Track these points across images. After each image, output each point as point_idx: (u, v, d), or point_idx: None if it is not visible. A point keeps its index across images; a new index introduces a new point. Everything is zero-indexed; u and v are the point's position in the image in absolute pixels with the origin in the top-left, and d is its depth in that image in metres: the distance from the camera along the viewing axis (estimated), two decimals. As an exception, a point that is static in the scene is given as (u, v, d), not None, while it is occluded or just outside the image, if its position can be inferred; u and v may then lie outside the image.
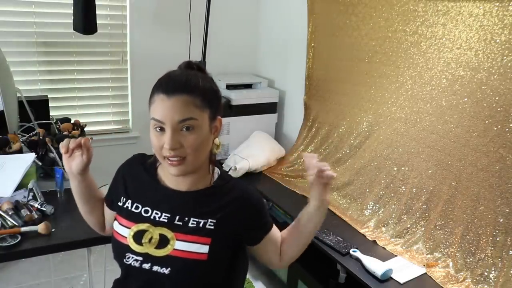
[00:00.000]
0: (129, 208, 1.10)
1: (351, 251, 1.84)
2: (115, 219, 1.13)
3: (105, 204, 1.22)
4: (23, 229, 1.40)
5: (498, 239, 1.69)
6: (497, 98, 1.71)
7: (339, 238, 1.94)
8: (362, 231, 2.05)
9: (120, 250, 1.06)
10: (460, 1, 1.83)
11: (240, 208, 1.06)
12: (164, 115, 0.96)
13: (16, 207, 1.50)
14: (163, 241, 1.02)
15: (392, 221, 2.05)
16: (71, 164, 1.11)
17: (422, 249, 1.89)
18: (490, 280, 1.67)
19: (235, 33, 3.22)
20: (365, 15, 2.31)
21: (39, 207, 1.52)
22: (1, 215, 1.44)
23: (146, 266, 1.01)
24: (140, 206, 1.09)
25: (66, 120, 2.24)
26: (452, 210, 1.86)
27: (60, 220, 1.51)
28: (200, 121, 0.98)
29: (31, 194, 1.58)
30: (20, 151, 1.83)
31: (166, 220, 1.04)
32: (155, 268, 1.00)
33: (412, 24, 2.06)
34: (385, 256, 1.85)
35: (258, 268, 2.56)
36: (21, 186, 1.61)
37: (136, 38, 2.87)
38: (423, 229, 1.94)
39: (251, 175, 2.63)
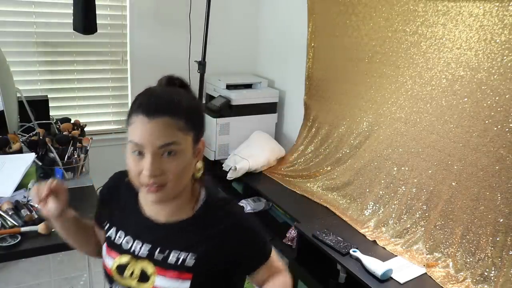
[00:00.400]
0: (112, 237, 1.04)
1: (351, 251, 1.84)
2: (104, 241, 1.08)
3: (96, 227, 1.16)
4: (23, 229, 1.40)
5: (498, 239, 1.69)
6: (497, 98, 1.71)
7: (339, 238, 1.94)
8: (362, 231, 2.05)
9: (107, 278, 1.04)
10: (460, 1, 1.83)
11: (230, 241, 0.96)
12: (144, 139, 0.87)
13: (16, 207, 1.50)
14: (144, 276, 0.97)
15: (392, 221, 2.05)
16: (49, 208, 1.03)
17: (422, 249, 1.89)
18: (490, 280, 1.67)
19: (235, 33, 3.22)
20: (365, 15, 2.31)
21: (39, 207, 1.52)
22: (1, 215, 1.44)
23: None
24: (123, 236, 1.03)
25: (66, 120, 2.25)
26: (452, 210, 1.86)
27: (60, 220, 1.51)
28: (184, 145, 0.90)
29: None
30: (20, 151, 1.83)
31: (147, 253, 0.98)
32: None
33: (412, 24, 2.06)
34: (385, 256, 1.85)
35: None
36: (21, 186, 1.61)
37: (136, 38, 2.87)
38: (423, 229, 1.94)
39: (251, 175, 2.63)
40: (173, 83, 0.97)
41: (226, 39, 3.16)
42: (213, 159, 2.86)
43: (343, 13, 2.45)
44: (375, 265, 1.73)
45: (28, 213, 1.46)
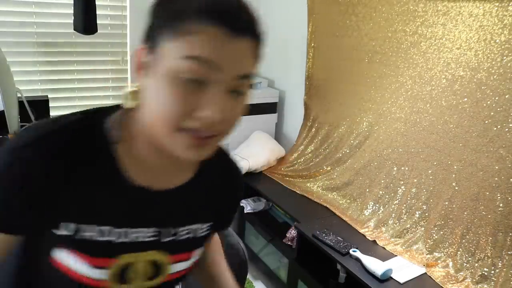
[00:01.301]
0: (91, 237, 0.68)
1: (351, 251, 1.84)
2: (62, 248, 0.69)
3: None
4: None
5: (498, 239, 1.70)
6: (497, 98, 1.71)
7: (339, 238, 1.94)
8: (362, 231, 2.05)
9: None
10: (460, 1, 1.83)
11: (228, 193, 0.86)
12: (224, 59, 0.58)
13: (16, 207, 1.49)
14: (155, 270, 0.75)
15: (392, 221, 2.05)
16: None
17: (422, 249, 1.89)
18: (490, 280, 1.67)
19: (235, 33, 3.22)
20: (365, 15, 2.31)
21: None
22: (1, 215, 1.44)
23: None
24: (107, 230, 0.69)
25: (66, 120, 2.24)
26: (452, 210, 1.86)
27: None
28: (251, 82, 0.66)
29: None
30: (20, 151, 1.83)
31: (153, 239, 0.73)
32: None
33: (412, 24, 2.06)
34: (385, 256, 1.85)
35: (258, 268, 2.56)
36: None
37: (136, 38, 2.87)
38: (423, 229, 1.94)
39: (251, 175, 2.63)
40: None
41: (226, 39, 3.16)
42: (213, 159, 2.86)
43: (343, 13, 2.45)
44: (375, 265, 1.73)
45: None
